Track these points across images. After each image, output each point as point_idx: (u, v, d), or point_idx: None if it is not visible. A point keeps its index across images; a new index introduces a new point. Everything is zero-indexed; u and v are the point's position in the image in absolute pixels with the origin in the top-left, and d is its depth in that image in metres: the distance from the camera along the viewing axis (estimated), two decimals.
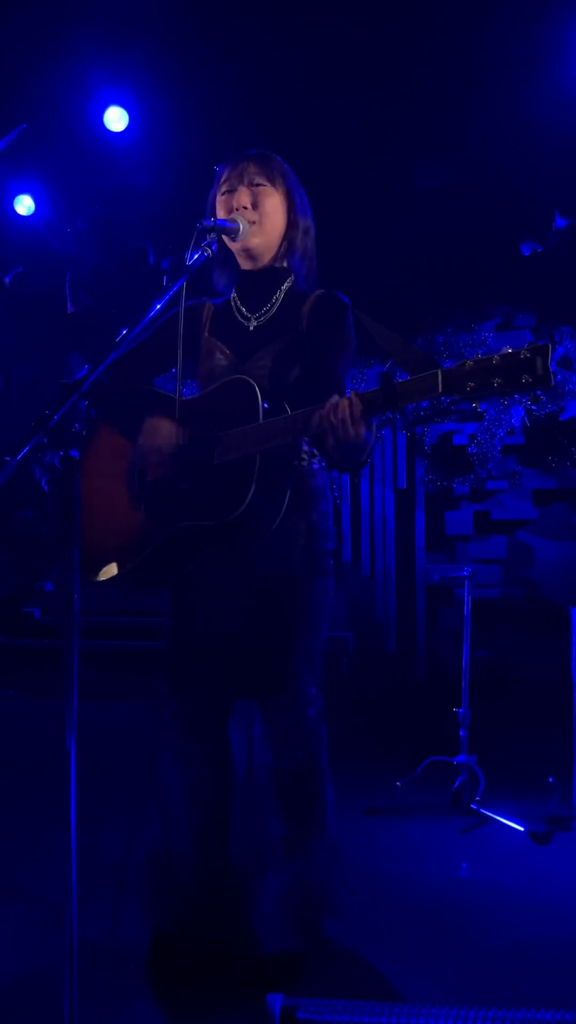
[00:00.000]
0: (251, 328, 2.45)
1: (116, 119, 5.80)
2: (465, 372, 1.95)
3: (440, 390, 1.97)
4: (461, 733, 3.85)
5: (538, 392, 1.93)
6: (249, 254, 2.43)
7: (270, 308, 2.44)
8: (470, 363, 1.95)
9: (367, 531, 5.94)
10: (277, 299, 2.44)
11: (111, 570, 2.39)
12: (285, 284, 2.46)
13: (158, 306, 1.99)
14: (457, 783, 3.84)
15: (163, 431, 2.36)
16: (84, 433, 2.55)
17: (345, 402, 2.05)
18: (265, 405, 2.22)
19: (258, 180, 2.40)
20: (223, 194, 2.43)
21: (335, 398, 2.07)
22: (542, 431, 5.51)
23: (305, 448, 2.39)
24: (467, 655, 3.94)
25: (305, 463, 2.39)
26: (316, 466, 2.44)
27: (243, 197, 2.39)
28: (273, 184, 2.42)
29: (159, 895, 2.44)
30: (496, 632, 5.34)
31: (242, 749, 2.49)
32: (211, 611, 2.41)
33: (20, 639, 6.43)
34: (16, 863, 3.14)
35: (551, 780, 3.88)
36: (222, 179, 2.44)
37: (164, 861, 2.43)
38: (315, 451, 2.44)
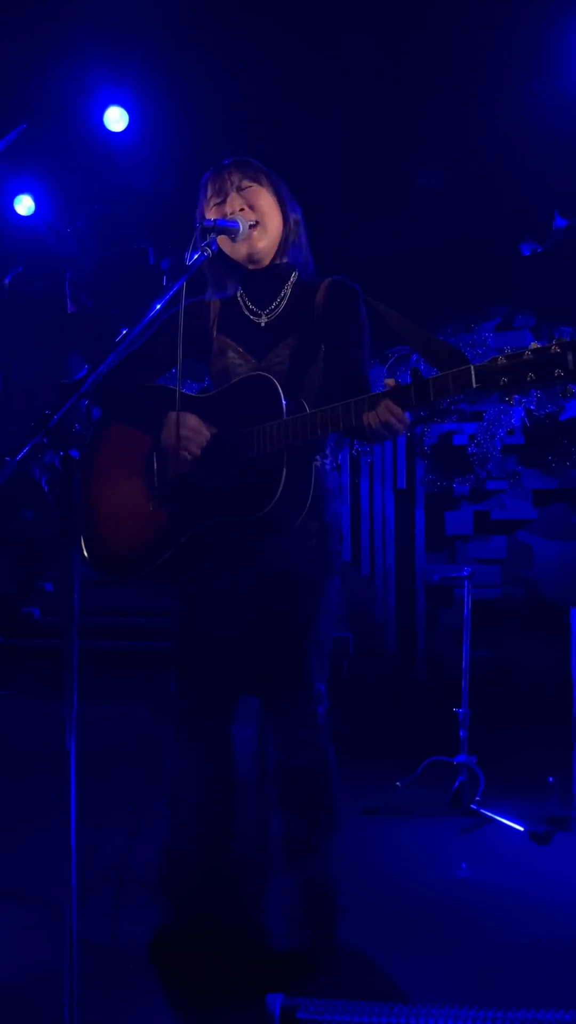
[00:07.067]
0: (263, 324, 2.45)
1: (116, 119, 5.78)
2: (499, 367, 1.96)
3: (475, 386, 1.98)
4: (461, 733, 3.85)
5: (572, 387, 1.93)
6: (253, 257, 2.44)
7: (279, 303, 2.45)
8: (502, 359, 1.95)
9: (367, 531, 5.93)
10: (285, 293, 2.46)
11: (135, 568, 2.38)
12: (291, 278, 2.47)
13: (158, 306, 2.00)
14: (457, 783, 3.84)
15: (189, 424, 2.34)
16: (91, 433, 2.55)
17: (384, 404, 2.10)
18: (286, 402, 2.23)
19: (245, 183, 2.43)
20: (214, 206, 2.44)
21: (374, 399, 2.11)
22: (542, 431, 5.50)
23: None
24: (467, 655, 3.94)
25: (318, 463, 2.39)
26: (328, 466, 2.45)
27: (236, 202, 2.41)
28: (260, 184, 2.44)
29: (168, 891, 2.44)
30: (496, 632, 5.33)
31: (253, 747, 2.49)
32: (219, 610, 2.41)
33: (20, 639, 6.42)
34: (16, 863, 3.14)
35: (551, 780, 3.88)
36: (208, 194, 2.46)
37: (172, 857, 2.43)
38: (327, 451, 2.45)
